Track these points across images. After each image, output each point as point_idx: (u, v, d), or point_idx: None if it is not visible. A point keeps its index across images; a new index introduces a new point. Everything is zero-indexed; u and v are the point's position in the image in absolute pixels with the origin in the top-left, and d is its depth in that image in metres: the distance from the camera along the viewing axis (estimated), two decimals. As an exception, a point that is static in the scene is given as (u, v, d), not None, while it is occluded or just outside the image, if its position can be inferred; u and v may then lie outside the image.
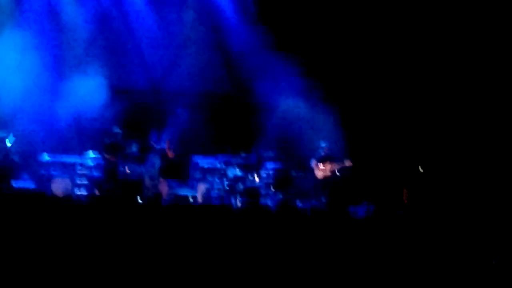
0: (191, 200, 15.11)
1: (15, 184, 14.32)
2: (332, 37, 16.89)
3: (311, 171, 15.74)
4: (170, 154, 15.31)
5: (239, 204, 14.94)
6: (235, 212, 13.95)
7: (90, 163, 15.34)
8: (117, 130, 15.30)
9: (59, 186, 14.77)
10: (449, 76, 16.59)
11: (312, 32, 16.84)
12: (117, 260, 11.42)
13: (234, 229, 12.54)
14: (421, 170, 15.49)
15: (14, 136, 14.79)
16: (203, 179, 15.57)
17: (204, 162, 15.86)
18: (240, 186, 15.31)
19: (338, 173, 15.58)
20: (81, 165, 15.32)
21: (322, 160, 15.67)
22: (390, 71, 16.88)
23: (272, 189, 15.61)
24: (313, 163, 15.68)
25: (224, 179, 15.41)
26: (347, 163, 15.48)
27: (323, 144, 15.71)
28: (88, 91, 15.74)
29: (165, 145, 15.31)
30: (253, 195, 15.14)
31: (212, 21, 17.24)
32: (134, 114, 16.26)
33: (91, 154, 15.40)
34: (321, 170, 15.62)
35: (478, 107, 16.33)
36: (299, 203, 15.13)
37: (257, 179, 15.47)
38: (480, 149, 16.15)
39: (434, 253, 11.83)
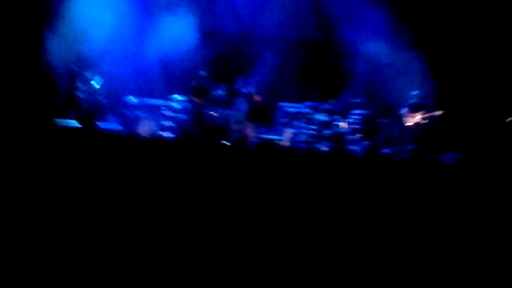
0: (277, 144, 15.04)
1: (102, 125, 14.37)
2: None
3: (400, 118, 15.56)
4: (257, 98, 15.27)
5: (325, 149, 14.83)
6: (321, 157, 13.84)
7: (177, 105, 15.38)
8: (204, 73, 15.31)
9: (145, 128, 14.85)
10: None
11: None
12: (203, 203, 11.43)
13: (321, 173, 12.46)
14: (509, 120, 15.18)
15: (101, 77, 14.93)
16: (289, 124, 15.55)
17: (291, 107, 15.83)
18: (327, 132, 15.30)
19: (427, 121, 15.37)
20: (168, 107, 15.39)
21: (413, 108, 15.46)
22: (483, 19, 16.43)
23: (359, 135, 15.48)
24: (403, 110, 15.49)
25: (311, 125, 15.39)
26: (437, 111, 15.25)
27: (414, 92, 15.51)
28: (176, 33, 15.73)
29: (252, 90, 15.29)
30: (339, 140, 15.07)
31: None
32: (221, 58, 16.22)
33: (178, 97, 15.45)
34: (411, 118, 15.41)
35: None
36: (386, 150, 14.97)
37: (344, 125, 15.37)
38: None
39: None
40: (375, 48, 16.33)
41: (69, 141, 12.33)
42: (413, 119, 15.42)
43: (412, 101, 15.47)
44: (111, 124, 14.55)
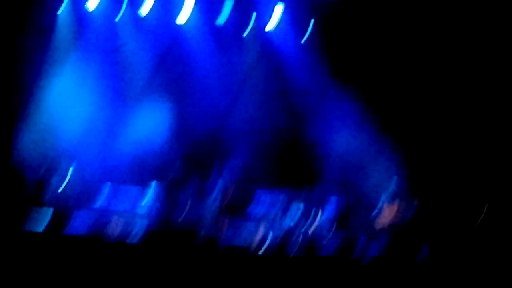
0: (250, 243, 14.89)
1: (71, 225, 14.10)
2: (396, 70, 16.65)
3: (379, 209, 15.45)
4: (230, 191, 15.18)
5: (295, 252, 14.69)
6: (292, 260, 13.79)
7: (150, 197, 15.21)
8: (178, 164, 15.22)
9: (114, 229, 14.59)
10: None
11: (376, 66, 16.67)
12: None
13: (291, 276, 12.42)
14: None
15: (74, 169, 14.78)
16: (264, 217, 15.37)
17: (264, 200, 15.67)
18: (301, 228, 15.14)
19: (405, 213, 15.26)
20: (138, 206, 15.19)
21: (392, 198, 15.36)
22: (454, 105, 16.54)
23: (333, 230, 15.32)
24: (383, 201, 15.38)
25: (280, 226, 15.27)
26: (415, 202, 15.16)
27: (390, 185, 15.41)
28: (149, 125, 15.72)
29: (225, 183, 15.21)
30: (310, 243, 14.92)
31: (273, 61, 17.20)
32: (194, 151, 16.16)
33: (151, 188, 15.30)
34: (390, 209, 15.30)
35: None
36: (362, 242, 14.81)
37: (312, 228, 15.25)
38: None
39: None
40: (349, 138, 16.31)
41: (35, 246, 12.26)
42: (389, 211, 15.30)
43: (388, 193, 15.37)
44: (80, 223, 14.32)
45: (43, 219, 13.46)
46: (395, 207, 15.22)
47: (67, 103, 15.42)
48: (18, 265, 11.63)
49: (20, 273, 11.51)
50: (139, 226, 14.66)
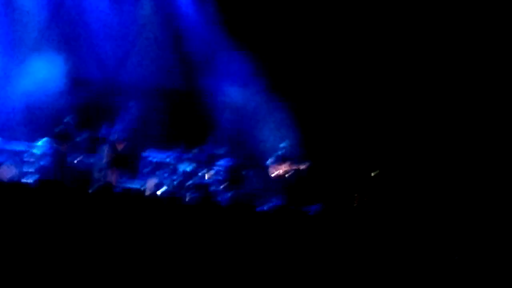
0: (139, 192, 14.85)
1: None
2: (289, 33, 16.77)
3: (266, 169, 15.63)
4: (120, 146, 15.09)
5: (190, 199, 14.75)
6: (185, 206, 13.74)
7: (39, 151, 15.03)
8: (68, 119, 15.06)
9: (5, 173, 14.41)
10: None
11: (267, 27, 16.74)
12: (61, 250, 11.17)
13: (184, 222, 12.37)
14: (373, 174, 15.50)
15: None
16: (153, 173, 15.41)
17: (155, 156, 15.71)
18: (191, 182, 15.23)
19: (293, 174, 15.49)
20: (29, 153, 15.01)
21: (278, 159, 15.55)
22: (346, 66, 16.81)
23: (224, 186, 15.45)
24: (269, 161, 15.57)
25: (174, 175, 15.31)
26: (303, 164, 15.40)
27: (281, 144, 15.62)
28: (41, 78, 15.42)
29: (115, 137, 15.10)
30: (204, 191, 14.98)
31: (168, 15, 17.01)
32: (86, 104, 15.93)
33: (40, 142, 15.10)
34: (277, 170, 15.50)
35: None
36: (251, 201, 14.95)
37: (209, 175, 15.34)
38: (435, 149, 16.20)
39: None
40: (240, 97, 16.46)
41: None
42: (279, 170, 15.51)
43: (278, 152, 15.58)
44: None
45: None
46: (283, 167, 15.44)
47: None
48: None
49: None
50: (28, 176, 14.61)
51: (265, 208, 14.54)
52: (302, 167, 15.39)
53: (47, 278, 10.50)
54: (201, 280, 11.04)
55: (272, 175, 15.49)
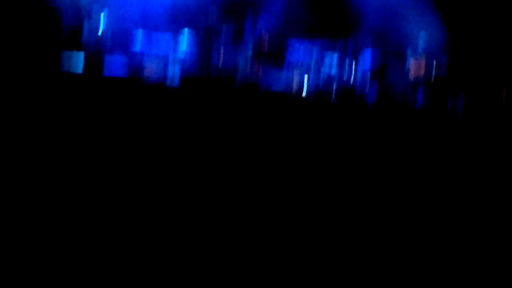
0: (289, 89, 14.67)
1: (106, 67, 13.78)
2: None
3: (409, 64, 15.25)
4: (266, 38, 14.89)
5: (336, 96, 14.52)
6: (332, 104, 13.57)
7: (183, 48, 14.91)
8: (212, 11, 14.81)
9: (151, 70, 14.38)
10: None
11: None
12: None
13: (330, 120, 12.18)
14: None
15: (106, 11, 14.41)
16: (299, 65, 15.16)
17: (301, 47, 15.40)
18: (337, 74, 14.95)
19: (435, 69, 15.04)
20: (175, 44, 14.90)
21: (420, 55, 15.14)
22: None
23: (370, 78, 15.15)
24: (411, 58, 15.17)
25: (321, 67, 15.03)
26: (444, 58, 14.93)
27: (422, 37, 15.13)
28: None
29: (260, 29, 14.87)
30: (349, 85, 14.75)
31: None
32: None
33: (184, 36, 14.97)
34: (418, 65, 15.10)
35: None
36: (396, 95, 14.68)
37: (352, 71, 15.07)
38: None
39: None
40: None
41: (73, 86, 12.00)
42: (421, 66, 15.12)
43: (420, 47, 15.12)
44: (116, 66, 14.09)
45: (79, 62, 13.16)
46: (422, 62, 15.07)
47: None
48: (58, 107, 11.36)
49: (60, 114, 11.25)
50: (176, 71, 14.50)
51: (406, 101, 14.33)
52: (442, 61, 14.92)
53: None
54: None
55: (414, 70, 15.12)
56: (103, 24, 14.23)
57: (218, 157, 11.22)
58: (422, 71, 15.15)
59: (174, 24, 15.20)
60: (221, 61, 14.59)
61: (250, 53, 14.76)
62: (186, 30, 14.82)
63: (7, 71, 11.48)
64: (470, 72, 15.64)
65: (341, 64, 15.08)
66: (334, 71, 14.96)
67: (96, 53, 13.72)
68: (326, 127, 12.10)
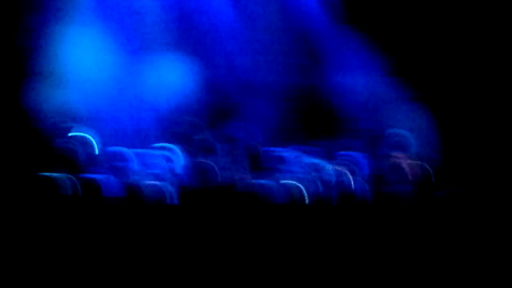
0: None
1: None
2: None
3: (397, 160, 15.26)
4: (251, 145, 14.89)
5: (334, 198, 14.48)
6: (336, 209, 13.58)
7: (168, 154, 14.87)
8: (194, 119, 15.09)
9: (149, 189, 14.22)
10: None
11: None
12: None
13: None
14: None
15: (89, 127, 14.51)
16: (284, 170, 15.13)
17: (285, 152, 15.45)
18: (323, 175, 15.00)
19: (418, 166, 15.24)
20: (159, 156, 14.82)
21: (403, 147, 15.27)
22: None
23: (359, 178, 15.22)
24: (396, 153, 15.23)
25: (304, 169, 15.08)
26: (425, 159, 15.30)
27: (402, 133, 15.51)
28: (170, 80, 15.37)
29: (241, 135, 15.13)
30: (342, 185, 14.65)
31: (293, 11, 16.69)
32: (210, 104, 15.74)
33: (169, 145, 14.94)
34: (410, 165, 15.20)
35: None
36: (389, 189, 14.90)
37: (340, 168, 15.02)
38: None
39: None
40: (362, 84, 16.22)
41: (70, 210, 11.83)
42: (406, 162, 15.20)
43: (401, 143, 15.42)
44: (113, 187, 14.00)
45: (72, 184, 13.14)
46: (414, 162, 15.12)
47: (85, 64, 14.88)
48: (55, 230, 11.13)
49: (57, 236, 11.06)
50: (174, 188, 14.39)
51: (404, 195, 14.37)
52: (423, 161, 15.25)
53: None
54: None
55: (401, 163, 15.21)
56: (98, 144, 14.23)
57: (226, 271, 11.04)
58: (414, 171, 15.17)
59: (167, 140, 15.20)
60: (218, 175, 14.52)
61: (246, 165, 14.75)
62: (180, 146, 14.80)
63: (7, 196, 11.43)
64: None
65: (336, 169, 15.07)
66: (331, 176, 14.92)
67: (93, 174, 13.66)
68: (331, 230, 12.00)
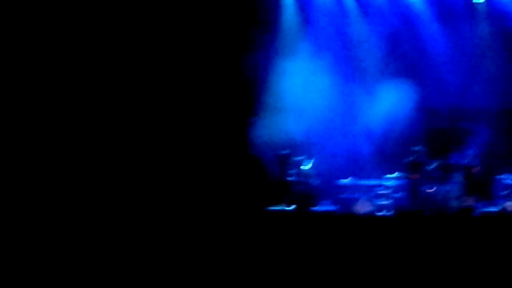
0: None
1: (316, 208, 14.50)
2: None
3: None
4: (475, 171, 14.69)
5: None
6: None
7: (392, 183, 14.96)
8: (419, 148, 14.95)
9: (361, 208, 14.45)
10: None
11: None
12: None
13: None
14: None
15: (312, 159, 15.06)
16: (509, 197, 14.79)
17: (509, 179, 15.08)
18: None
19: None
20: (382, 186, 14.99)
21: None
22: None
23: None
24: None
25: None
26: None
27: None
28: (389, 109, 15.44)
29: (468, 162, 14.83)
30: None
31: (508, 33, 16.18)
32: (434, 132, 15.77)
33: (392, 175, 15.03)
34: None
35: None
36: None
37: None
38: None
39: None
40: None
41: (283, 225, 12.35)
42: None
43: None
44: (325, 207, 14.38)
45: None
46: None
47: (302, 93, 15.49)
48: (271, 243, 11.63)
49: (276, 250, 11.58)
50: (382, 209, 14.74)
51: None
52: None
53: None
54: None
55: None
56: (311, 170, 14.74)
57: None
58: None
59: (380, 162, 15.36)
60: (431, 196, 14.45)
61: (460, 186, 14.52)
62: (409, 174, 14.85)
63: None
64: None
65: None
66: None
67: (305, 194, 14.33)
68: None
